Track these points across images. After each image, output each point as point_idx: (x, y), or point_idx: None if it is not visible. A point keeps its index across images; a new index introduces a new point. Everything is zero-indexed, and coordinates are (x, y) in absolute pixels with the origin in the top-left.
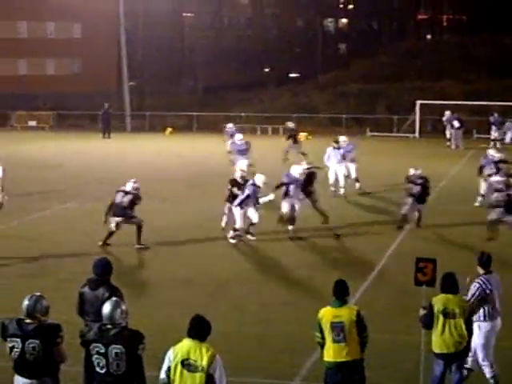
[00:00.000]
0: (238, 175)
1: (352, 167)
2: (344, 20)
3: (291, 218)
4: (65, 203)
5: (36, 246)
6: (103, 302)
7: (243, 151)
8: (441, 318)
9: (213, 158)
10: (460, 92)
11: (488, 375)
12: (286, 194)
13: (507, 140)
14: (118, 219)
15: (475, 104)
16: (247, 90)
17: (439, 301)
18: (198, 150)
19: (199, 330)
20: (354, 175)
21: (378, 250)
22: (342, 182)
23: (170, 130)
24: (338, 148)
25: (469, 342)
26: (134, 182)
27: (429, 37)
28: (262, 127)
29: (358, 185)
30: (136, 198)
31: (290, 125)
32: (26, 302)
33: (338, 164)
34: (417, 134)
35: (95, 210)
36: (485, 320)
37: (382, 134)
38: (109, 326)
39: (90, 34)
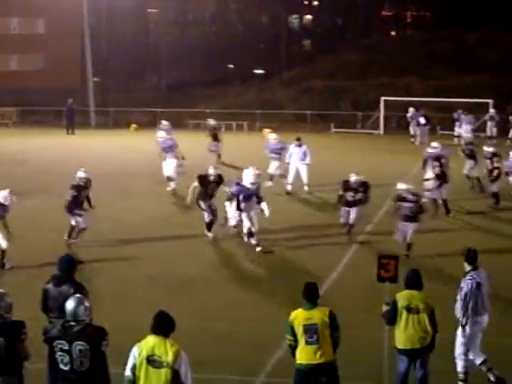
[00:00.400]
0: (210, 171)
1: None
2: (309, 16)
3: (250, 233)
4: (31, 199)
5: None
6: (67, 299)
7: (169, 148)
8: (404, 313)
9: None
10: (424, 88)
11: (459, 369)
12: (238, 207)
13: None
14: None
15: (439, 101)
16: (212, 86)
17: (403, 297)
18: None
19: (163, 326)
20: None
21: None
22: (305, 179)
23: (134, 126)
24: (300, 145)
25: (433, 338)
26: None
27: (393, 33)
28: (227, 123)
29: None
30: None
31: (211, 122)
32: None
33: (299, 161)
34: (381, 131)
35: (61, 206)
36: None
37: (346, 130)
38: (72, 323)
39: (54, 30)
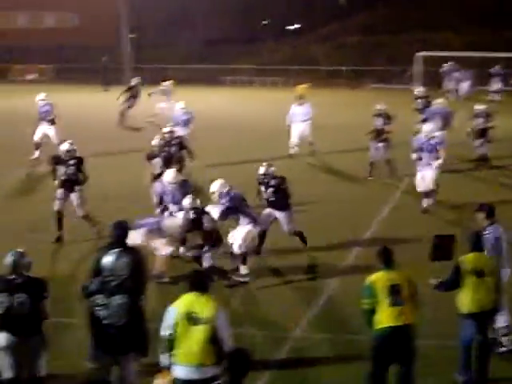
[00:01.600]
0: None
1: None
2: None
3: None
4: None
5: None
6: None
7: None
8: (471, 276)
9: (213, 111)
10: (461, 43)
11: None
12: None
13: (461, 91)
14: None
15: (476, 56)
16: (246, 42)
17: (468, 260)
18: (198, 103)
19: (200, 283)
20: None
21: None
22: (297, 140)
23: (171, 82)
24: (303, 104)
25: (499, 300)
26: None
27: None
28: (261, 80)
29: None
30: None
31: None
32: (9, 259)
33: (302, 122)
34: (417, 86)
35: (98, 163)
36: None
37: (381, 85)
38: (110, 278)
39: None
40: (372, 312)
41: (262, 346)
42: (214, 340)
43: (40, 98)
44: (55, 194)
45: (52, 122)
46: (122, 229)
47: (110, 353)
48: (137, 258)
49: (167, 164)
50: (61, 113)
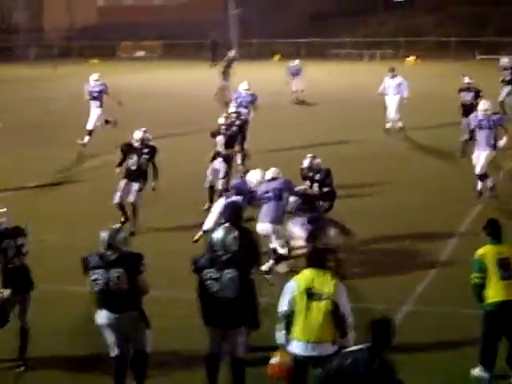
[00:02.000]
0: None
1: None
2: None
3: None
4: (176, 131)
5: None
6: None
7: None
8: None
9: (320, 84)
10: None
11: None
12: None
13: None
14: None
15: None
16: (354, 15)
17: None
18: (306, 77)
19: (318, 258)
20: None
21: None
22: (392, 114)
23: (278, 56)
24: (395, 76)
25: None
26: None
27: None
28: (371, 52)
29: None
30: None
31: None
32: (104, 234)
33: (393, 95)
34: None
35: (206, 138)
36: None
37: (491, 56)
38: (221, 252)
39: None
40: (482, 287)
41: None
42: (333, 316)
43: (93, 78)
44: (117, 185)
45: (101, 104)
46: (235, 208)
47: (221, 326)
48: (248, 235)
49: (227, 144)
50: (170, 90)
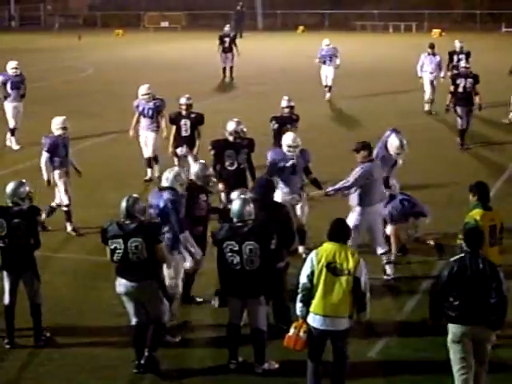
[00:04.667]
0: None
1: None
2: None
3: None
4: (200, 101)
5: None
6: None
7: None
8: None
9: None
10: None
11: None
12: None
13: None
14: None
15: None
16: None
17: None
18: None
19: (341, 232)
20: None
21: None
22: (428, 94)
23: (301, 28)
24: (433, 54)
25: None
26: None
27: None
28: (395, 24)
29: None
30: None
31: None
32: (123, 204)
33: (431, 73)
34: None
35: (229, 108)
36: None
37: None
38: (240, 224)
39: None
40: None
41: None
42: (353, 292)
43: (11, 66)
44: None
45: (22, 97)
46: (265, 186)
47: (240, 296)
48: (281, 210)
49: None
50: (194, 60)
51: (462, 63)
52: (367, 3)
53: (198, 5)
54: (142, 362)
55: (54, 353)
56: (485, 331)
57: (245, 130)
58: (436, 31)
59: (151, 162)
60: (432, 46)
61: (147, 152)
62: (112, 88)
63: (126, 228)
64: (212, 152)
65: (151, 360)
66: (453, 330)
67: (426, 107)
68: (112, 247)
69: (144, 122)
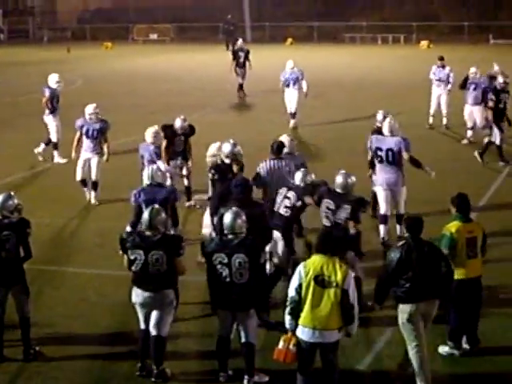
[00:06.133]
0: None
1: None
2: None
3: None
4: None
5: None
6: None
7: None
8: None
9: (334, 68)
10: None
11: None
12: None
13: None
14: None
15: None
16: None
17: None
18: (318, 61)
19: (329, 244)
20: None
21: None
22: (444, 110)
23: (290, 40)
24: (443, 66)
25: None
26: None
27: None
28: (383, 36)
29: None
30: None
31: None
32: (146, 215)
33: (437, 87)
34: None
35: (219, 121)
36: None
37: (506, 41)
38: (230, 236)
39: None
40: None
41: None
42: (341, 304)
43: (55, 79)
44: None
45: None
46: (242, 185)
47: (230, 309)
48: (260, 208)
49: None
50: (182, 72)
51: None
52: (356, 15)
53: (186, 17)
54: (145, 371)
55: (42, 366)
56: (433, 304)
57: (241, 152)
58: (424, 43)
59: (96, 185)
60: (441, 58)
61: (83, 174)
62: (101, 100)
63: (147, 240)
64: (215, 177)
65: (162, 374)
66: (406, 309)
67: (430, 120)
68: (132, 257)
69: (87, 143)
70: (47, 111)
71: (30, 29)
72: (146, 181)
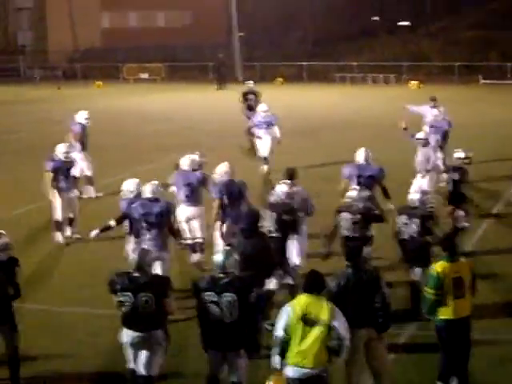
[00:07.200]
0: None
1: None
2: None
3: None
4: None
5: None
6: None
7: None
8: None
9: (323, 107)
10: None
11: None
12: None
13: None
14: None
15: None
16: (357, 39)
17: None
18: (309, 100)
19: (316, 284)
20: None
21: None
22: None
23: (280, 79)
24: (435, 107)
25: None
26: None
27: None
28: (374, 76)
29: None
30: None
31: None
32: (135, 256)
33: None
34: None
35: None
36: None
37: (495, 81)
38: (221, 275)
39: None
40: (438, 302)
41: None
42: (329, 340)
43: (84, 116)
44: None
45: None
46: (253, 217)
47: (220, 349)
48: (265, 241)
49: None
50: (173, 112)
51: None
52: (346, 55)
53: (177, 56)
54: None
55: None
56: (372, 332)
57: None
58: (414, 83)
59: (72, 221)
60: (434, 99)
61: (63, 213)
62: (91, 139)
63: (136, 282)
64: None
65: None
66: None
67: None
68: (121, 299)
69: (61, 182)
70: (79, 147)
71: (20, 67)
72: (146, 194)
